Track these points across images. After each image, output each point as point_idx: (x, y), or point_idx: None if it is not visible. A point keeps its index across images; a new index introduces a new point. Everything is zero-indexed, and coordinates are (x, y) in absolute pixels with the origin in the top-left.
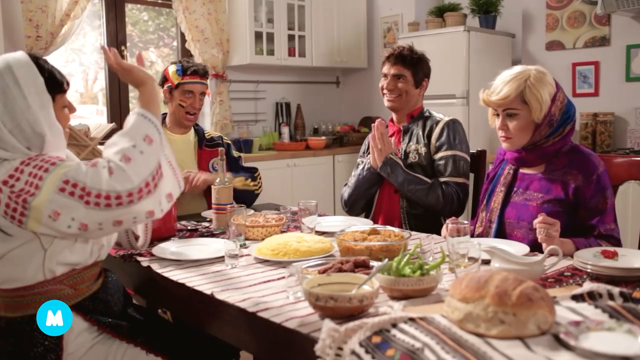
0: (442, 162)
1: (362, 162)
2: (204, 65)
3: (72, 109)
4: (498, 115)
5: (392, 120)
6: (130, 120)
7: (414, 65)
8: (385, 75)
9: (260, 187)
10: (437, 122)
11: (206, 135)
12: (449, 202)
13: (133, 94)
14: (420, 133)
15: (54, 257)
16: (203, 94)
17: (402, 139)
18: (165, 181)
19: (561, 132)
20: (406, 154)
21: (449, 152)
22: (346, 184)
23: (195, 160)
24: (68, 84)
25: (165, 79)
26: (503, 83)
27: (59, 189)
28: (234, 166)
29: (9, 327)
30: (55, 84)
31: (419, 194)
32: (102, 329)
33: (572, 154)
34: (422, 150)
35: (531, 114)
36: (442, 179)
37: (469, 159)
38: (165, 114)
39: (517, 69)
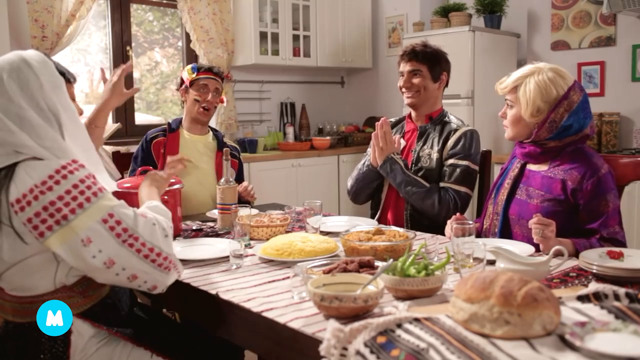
0: (450, 168)
1: (369, 152)
2: (219, 67)
3: (79, 110)
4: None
5: (410, 117)
6: (159, 204)
7: (428, 59)
8: (402, 74)
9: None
10: (455, 130)
11: (224, 140)
12: (445, 208)
13: (138, 94)
14: (437, 139)
15: (66, 269)
16: (217, 90)
17: (417, 141)
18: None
19: (564, 140)
20: (418, 157)
21: (461, 162)
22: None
23: (214, 162)
24: (75, 79)
25: (181, 82)
26: (514, 74)
27: (102, 219)
28: (239, 180)
29: (17, 331)
30: (61, 71)
31: (415, 196)
32: (110, 332)
33: (576, 155)
34: (435, 156)
35: (520, 110)
36: (442, 184)
37: (477, 171)
38: (181, 118)
39: (535, 65)
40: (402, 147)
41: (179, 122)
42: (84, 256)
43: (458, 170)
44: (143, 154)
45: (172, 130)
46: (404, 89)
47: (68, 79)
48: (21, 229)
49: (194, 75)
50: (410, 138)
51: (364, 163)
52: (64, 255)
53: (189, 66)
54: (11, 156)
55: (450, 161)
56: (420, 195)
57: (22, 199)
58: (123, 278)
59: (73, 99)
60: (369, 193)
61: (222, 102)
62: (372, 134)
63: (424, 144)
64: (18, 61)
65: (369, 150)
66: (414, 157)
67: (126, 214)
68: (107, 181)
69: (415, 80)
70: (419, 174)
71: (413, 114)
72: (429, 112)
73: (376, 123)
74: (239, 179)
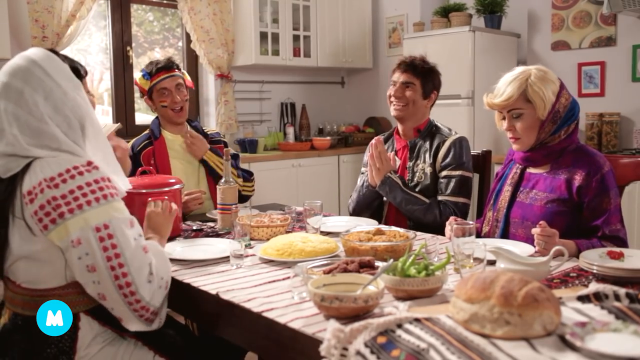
0: (444, 180)
1: (365, 171)
2: (167, 58)
3: (92, 102)
4: (504, 117)
5: (397, 132)
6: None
7: (423, 75)
8: (394, 83)
9: (251, 190)
10: (444, 141)
11: (205, 131)
12: (446, 221)
13: (138, 94)
14: (428, 152)
15: None
16: (179, 85)
17: (410, 157)
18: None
19: (566, 129)
20: (413, 173)
21: (454, 172)
22: (351, 196)
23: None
24: (86, 71)
25: (141, 91)
26: (505, 84)
27: (96, 226)
28: (233, 164)
29: (25, 325)
30: (77, 70)
31: (416, 213)
32: (116, 332)
33: (577, 153)
34: (428, 170)
35: (536, 112)
36: (440, 197)
37: (472, 177)
38: (158, 118)
39: (519, 69)
40: (397, 165)
41: (158, 124)
42: (72, 255)
43: (453, 181)
44: (134, 167)
45: (156, 137)
46: (393, 98)
47: (80, 74)
48: (31, 221)
49: (149, 83)
50: (402, 155)
51: (362, 185)
52: (64, 251)
53: (139, 74)
54: (26, 159)
55: (444, 173)
56: (421, 212)
57: (32, 191)
58: (95, 290)
59: (87, 91)
60: (371, 212)
61: (190, 85)
62: (367, 155)
63: (416, 159)
64: (31, 67)
65: (364, 169)
66: (410, 174)
67: (123, 233)
68: (124, 181)
69: (407, 93)
70: (416, 190)
71: (400, 128)
72: (416, 125)
73: (370, 144)
74: (234, 163)
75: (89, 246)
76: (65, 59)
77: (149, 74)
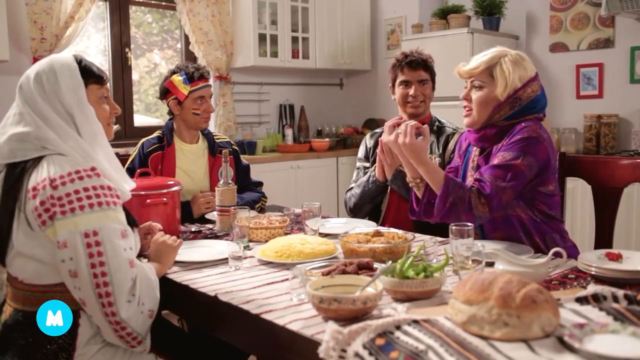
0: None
1: (363, 167)
2: (204, 66)
3: (113, 108)
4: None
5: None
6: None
7: (429, 67)
8: (407, 83)
9: (266, 199)
10: (454, 133)
11: (216, 139)
12: None
13: (137, 95)
14: (435, 144)
15: None
16: (211, 95)
17: None
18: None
19: (521, 118)
20: None
21: None
22: (349, 190)
23: (207, 169)
24: (106, 79)
25: (167, 91)
26: (479, 57)
27: (84, 232)
28: (243, 177)
29: (26, 321)
30: (90, 72)
31: None
32: None
33: (523, 130)
34: (437, 160)
35: (495, 90)
36: None
37: None
38: (171, 120)
39: (500, 48)
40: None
41: (171, 129)
42: (57, 257)
43: None
44: (142, 167)
45: (168, 144)
46: (411, 98)
47: (99, 80)
48: (30, 217)
49: (188, 88)
50: None
51: (368, 180)
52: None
53: (178, 77)
54: (39, 151)
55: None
56: None
57: (36, 187)
58: (77, 295)
59: (105, 97)
60: (372, 206)
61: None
62: (378, 151)
63: None
64: (46, 64)
65: (359, 164)
66: None
67: (112, 242)
68: (127, 180)
69: (427, 91)
70: None
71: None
72: (422, 119)
73: (380, 139)
74: (244, 176)
75: (74, 251)
76: (83, 61)
77: (189, 79)
